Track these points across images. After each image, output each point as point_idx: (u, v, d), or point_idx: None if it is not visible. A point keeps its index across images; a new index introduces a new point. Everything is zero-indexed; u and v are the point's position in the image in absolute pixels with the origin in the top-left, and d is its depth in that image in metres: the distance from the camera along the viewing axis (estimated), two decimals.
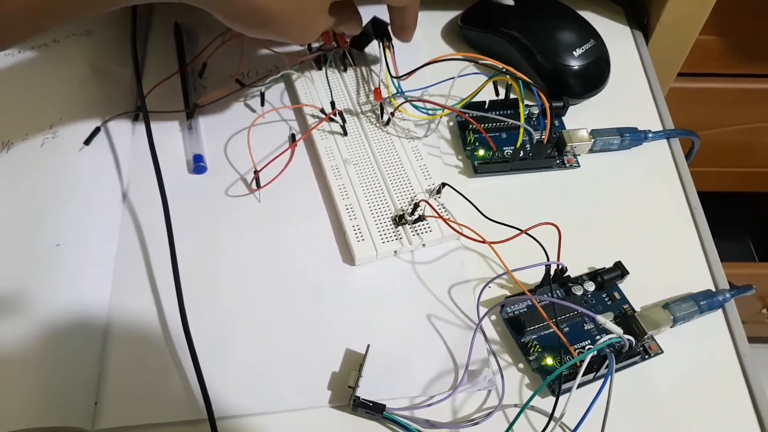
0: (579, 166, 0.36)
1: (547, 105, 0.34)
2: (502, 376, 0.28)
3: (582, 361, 0.26)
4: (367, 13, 0.35)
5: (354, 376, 0.27)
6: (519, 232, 0.30)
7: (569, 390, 0.27)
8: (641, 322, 0.29)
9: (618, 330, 0.25)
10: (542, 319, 0.29)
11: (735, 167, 0.62)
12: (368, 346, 0.28)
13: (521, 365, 0.29)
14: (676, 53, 0.43)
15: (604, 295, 0.31)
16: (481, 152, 0.35)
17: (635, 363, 0.29)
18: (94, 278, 0.30)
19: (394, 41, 0.36)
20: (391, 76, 0.35)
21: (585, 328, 0.30)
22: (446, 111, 0.35)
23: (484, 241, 0.30)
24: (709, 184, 0.58)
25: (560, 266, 0.30)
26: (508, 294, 0.31)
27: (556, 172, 0.36)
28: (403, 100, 0.35)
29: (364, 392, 0.27)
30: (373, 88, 0.36)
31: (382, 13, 0.36)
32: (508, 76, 0.34)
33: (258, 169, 0.33)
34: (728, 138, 0.57)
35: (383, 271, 0.32)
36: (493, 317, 0.30)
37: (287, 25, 0.29)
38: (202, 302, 0.30)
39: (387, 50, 0.36)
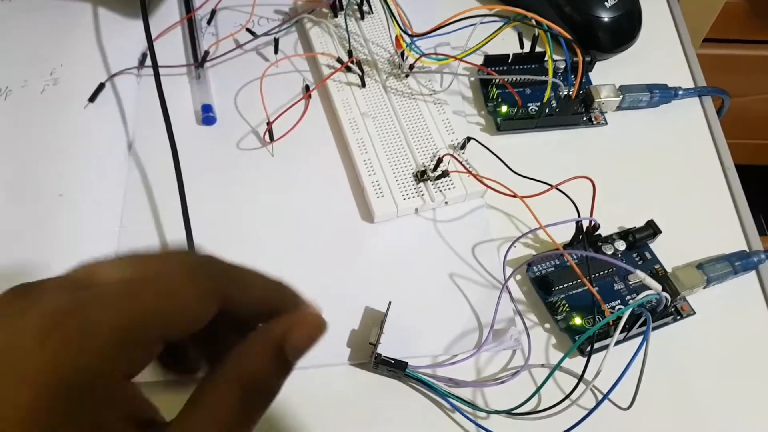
0: (606, 123, 0.34)
1: (580, 55, 0.32)
2: (528, 336, 0.27)
3: (615, 320, 0.25)
4: None
5: (375, 333, 0.26)
6: (549, 187, 0.28)
7: (599, 351, 0.26)
8: (674, 282, 0.28)
9: (657, 286, 0.24)
10: (571, 278, 0.28)
11: (757, 139, 0.60)
12: (390, 302, 0.27)
13: (548, 325, 0.28)
14: (705, 12, 0.41)
15: (634, 255, 0.30)
16: (504, 108, 0.34)
17: (666, 324, 0.28)
18: (99, 229, 0.29)
19: None
20: (406, 34, 0.33)
21: (615, 288, 0.28)
22: (462, 55, 0.32)
23: (515, 195, 0.28)
24: None
25: (593, 222, 0.28)
26: (534, 254, 0.30)
27: (583, 130, 0.34)
28: (420, 54, 0.33)
29: (385, 350, 0.26)
30: (393, 37, 0.34)
31: None
32: (534, 24, 0.32)
33: (271, 120, 0.32)
34: (753, 107, 0.56)
35: (403, 229, 0.30)
36: (518, 277, 0.29)
37: None
38: None
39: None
